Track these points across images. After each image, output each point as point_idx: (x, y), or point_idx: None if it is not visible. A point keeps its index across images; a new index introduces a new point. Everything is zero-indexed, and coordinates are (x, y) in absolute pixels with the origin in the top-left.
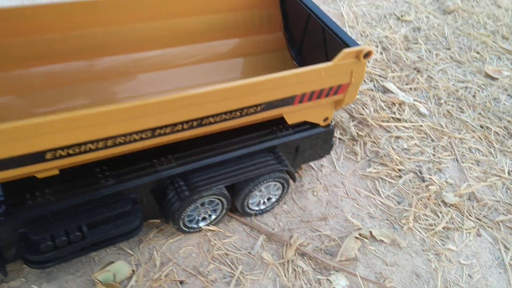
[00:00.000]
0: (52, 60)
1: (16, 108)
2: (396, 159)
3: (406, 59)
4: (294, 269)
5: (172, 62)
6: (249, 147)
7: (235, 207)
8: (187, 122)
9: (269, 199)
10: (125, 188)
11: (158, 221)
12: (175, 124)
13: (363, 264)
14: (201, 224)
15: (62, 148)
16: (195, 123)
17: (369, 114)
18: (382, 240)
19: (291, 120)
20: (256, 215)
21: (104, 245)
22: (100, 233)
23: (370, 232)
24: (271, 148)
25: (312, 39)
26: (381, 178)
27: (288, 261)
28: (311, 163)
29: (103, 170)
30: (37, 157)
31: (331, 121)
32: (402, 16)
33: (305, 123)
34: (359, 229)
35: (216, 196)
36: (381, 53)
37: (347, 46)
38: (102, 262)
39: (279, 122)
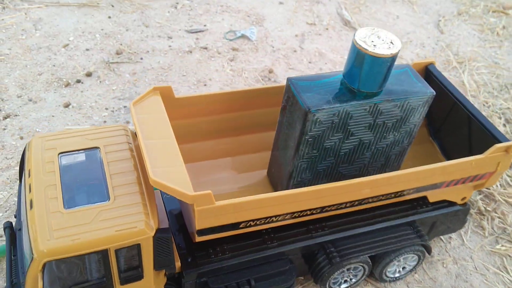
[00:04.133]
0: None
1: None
2: None
3: None
4: None
5: None
6: (393, 220)
7: (371, 272)
8: (352, 201)
9: (404, 268)
10: (286, 250)
11: (302, 278)
12: (341, 204)
13: None
14: (343, 286)
15: (253, 220)
16: (356, 202)
17: (496, 189)
18: None
19: (433, 199)
20: (390, 281)
21: None
22: (263, 287)
23: None
24: (411, 222)
25: (454, 128)
26: (509, 256)
27: None
28: None
29: (269, 233)
30: (235, 226)
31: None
32: None
33: (443, 200)
34: None
35: (361, 263)
36: (504, 126)
37: (496, 139)
38: None
39: (420, 198)
